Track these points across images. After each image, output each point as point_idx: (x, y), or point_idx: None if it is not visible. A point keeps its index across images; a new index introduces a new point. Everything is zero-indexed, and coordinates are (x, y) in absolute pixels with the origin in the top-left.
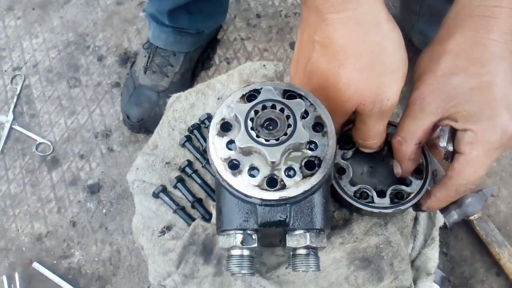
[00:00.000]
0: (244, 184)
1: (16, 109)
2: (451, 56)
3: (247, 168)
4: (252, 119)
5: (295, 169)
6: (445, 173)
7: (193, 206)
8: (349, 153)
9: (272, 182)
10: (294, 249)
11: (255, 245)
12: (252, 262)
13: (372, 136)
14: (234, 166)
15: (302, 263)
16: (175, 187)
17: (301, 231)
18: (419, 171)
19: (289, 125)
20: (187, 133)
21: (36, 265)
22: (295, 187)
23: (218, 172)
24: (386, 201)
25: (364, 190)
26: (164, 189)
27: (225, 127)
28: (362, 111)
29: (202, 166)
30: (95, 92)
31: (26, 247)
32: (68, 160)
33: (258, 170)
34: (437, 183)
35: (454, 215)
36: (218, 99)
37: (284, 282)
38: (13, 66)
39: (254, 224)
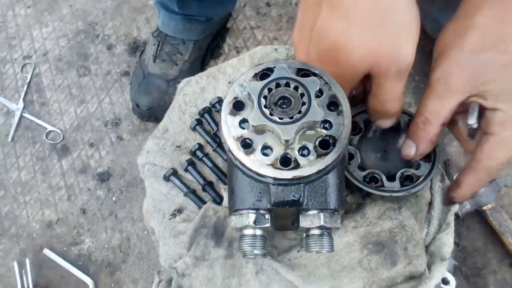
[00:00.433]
0: (257, 163)
1: (26, 97)
2: (479, 31)
3: (260, 147)
4: (265, 97)
5: (309, 148)
6: (471, 155)
7: (204, 189)
8: (356, 139)
9: (285, 161)
10: (308, 229)
11: (268, 224)
12: (265, 243)
13: (391, 99)
14: (247, 145)
15: (315, 243)
16: (186, 170)
17: (315, 211)
18: (427, 155)
19: (303, 103)
20: (197, 117)
21: (46, 251)
22: (309, 166)
23: (230, 151)
24: (396, 184)
25: (374, 174)
26: (175, 172)
27: (238, 106)
28: (378, 73)
29: (213, 150)
30: (104, 81)
31: (36, 234)
32: (78, 148)
33: (271, 149)
34: (464, 170)
35: (467, 205)
36: (229, 83)
37: (296, 265)
38: (23, 54)
39: (267, 203)
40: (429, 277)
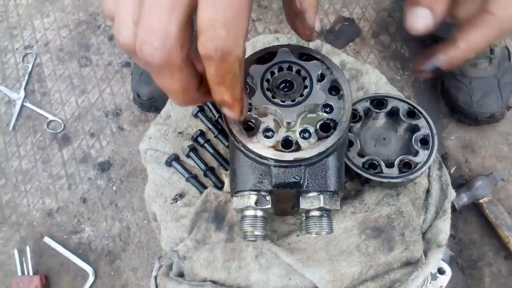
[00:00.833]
0: (259, 145)
1: (28, 87)
2: None
3: (262, 129)
4: (268, 80)
5: (311, 131)
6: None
7: (205, 175)
8: (356, 126)
9: (287, 144)
10: (307, 211)
11: (269, 206)
12: (265, 224)
13: None
14: (249, 127)
15: (315, 224)
16: (187, 156)
17: (315, 193)
18: (425, 142)
19: (305, 87)
20: (200, 105)
21: (47, 239)
22: (310, 148)
23: (233, 134)
24: (394, 171)
25: (373, 161)
26: (176, 158)
27: None
28: None
29: (215, 136)
30: (105, 72)
31: (37, 222)
32: (78, 138)
33: (273, 131)
34: (466, 24)
35: (464, 198)
36: None
37: (295, 249)
38: (24, 44)
39: (269, 185)
40: (425, 263)
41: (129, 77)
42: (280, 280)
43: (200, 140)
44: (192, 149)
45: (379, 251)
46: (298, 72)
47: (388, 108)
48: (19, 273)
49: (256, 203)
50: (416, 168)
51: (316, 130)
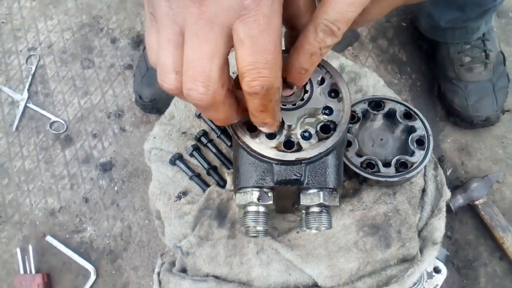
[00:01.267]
0: (262, 146)
1: (31, 88)
2: None
3: (264, 135)
4: None
5: (311, 132)
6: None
7: (208, 173)
8: (355, 127)
9: (288, 144)
10: (308, 207)
11: (271, 202)
12: (267, 220)
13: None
14: (252, 128)
15: (315, 220)
16: (191, 155)
17: (315, 190)
18: (421, 143)
19: (305, 91)
20: None
21: (49, 238)
22: (311, 149)
23: (237, 135)
24: (391, 170)
25: (370, 161)
26: (180, 157)
27: None
28: None
29: (217, 136)
30: (108, 74)
31: (39, 221)
32: (81, 138)
33: (275, 133)
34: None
35: (460, 200)
36: (233, 73)
37: (295, 246)
38: (28, 46)
39: (271, 182)
40: (421, 260)
41: (131, 79)
42: (280, 275)
43: (203, 140)
44: (196, 148)
45: (376, 248)
46: None
47: (386, 109)
48: (22, 272)
49: (258, 199)
50: (412, 167)
51: (316, 131)
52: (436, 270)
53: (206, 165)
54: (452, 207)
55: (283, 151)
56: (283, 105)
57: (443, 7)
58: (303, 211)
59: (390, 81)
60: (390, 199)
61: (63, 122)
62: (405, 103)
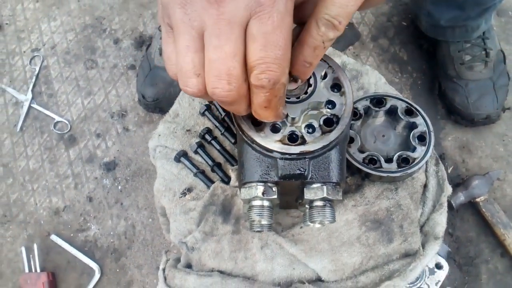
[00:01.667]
0: (266, 139)
1: (35, 89)
2: None
3: (269, 124)
4: None
5: (315, 126)
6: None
7: (212, 170)
8: (357, 124)
9: (293, 138)
10: (311, 201)
11: (275, 196)
12: (272, 214)
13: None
14: (257, 122)
15: (319, 213)
16: (195, 152)
17: (319, 184)
18: (422, 138)
19: (309, 85)
20: (206, 103)
21: (54, 237)
22: (315, 142)
23: (242, 129)
24: (393, 166)
25: (373, 156)
26: (185, 154)
27: None
28: None
29: (221, 134)
30: (111, 74)
31: (44, 220)
32: (85, 138)
33: (279, 126)
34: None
35: (461, 197)
36: None
37: (299, 241)
38: (31, 47)
39: (275, 176)
40: (423, 254)
41: (134, 79)
42: (284, 270)
43: (207, 137)
44: (200, 145)
45: (379, 243)
46: None
47: (387, 106)
48: (27, 270)
49: (263, 193)
50: (414, 163)
51: (320, 125)
52: (438, 266)
53: (210, 162)
54: (454, 205)
55: (288, 144)
56: (287, 97)
57: (443, 6)
58: (307, 206)
59: (391, 80)
60: (392, 194)
61: (67, 122)
62: (406, 99)
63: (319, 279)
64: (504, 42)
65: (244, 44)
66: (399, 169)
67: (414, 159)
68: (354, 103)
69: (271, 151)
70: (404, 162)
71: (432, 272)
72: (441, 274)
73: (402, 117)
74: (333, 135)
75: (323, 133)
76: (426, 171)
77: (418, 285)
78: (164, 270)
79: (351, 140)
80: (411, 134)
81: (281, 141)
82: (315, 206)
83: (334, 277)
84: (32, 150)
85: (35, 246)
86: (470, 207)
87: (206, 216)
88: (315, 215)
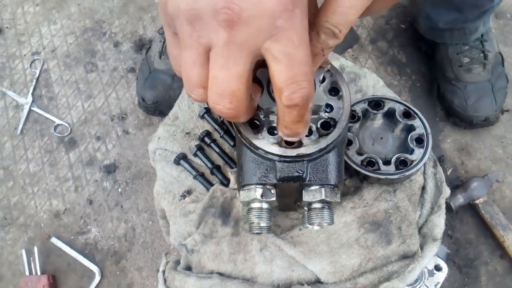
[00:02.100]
0: (264, 141)
1: (35, 92)
2: None
3: (267, 127)
4: None
5: (312, 129)
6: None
7: (212, 173)
8: (355, 126)
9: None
10: (310, 203)
11: (274, 198)
12: (270, 216)
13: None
14: (255, 125)
15: (317, 215)
16: (195, 155)
17: (317, 187)
18: (420, 141)
19: None
20: (206, 106)
21: (54, 240)
22: (312, 145)
23: (240, 132)
24: (391, 168)
25: (371, 159)
26: (184, 157)
27: None
28: None
29: (220, 136)
30: (111, 77)
31: (44, 223)
32: (85, 141)
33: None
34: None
35: (460, 199)
36: None
37: (298, 243)
38: (32, 51)
39: (273, 179)
40: (421, 256)
41: (134, 82)
42: (283, 272)
43: (207, 140)
44: (199, 148)
45: (378, 244)
46: None
47: (385, 109)
48: (27, 273)
49: (262, 195)
50: (412, 165)
51: (317, 128)
52: (437, 268)
53: (209, 165)
54: (453, 206)
55: (285, 147)
56: None
57: (441, 8)
58: (306, 208)
59: (390, 82)
60: (390, 196)
61: (67, 125)
62: (404, 102)
63: (318, 281)
64: (503, 44)
65: (252, 66)
66: (397, 171)
67: (412, 161)
68: (353, 105)
69: (269, 153)
70: (402, 164)
71: (431, 274)
72: (440, 276)
73: (400, 119)
74: (330, 138)
75: (320, 136)
76: (424, 173)
77: (417, 287)
78: (164, 272)
79: (350, 142)
80: (409, 136)
81: (278, 143)
82: (314, 208)
83: (333, 279)
84: (32, 153)
85: (35, 249)
86: (469, 209)
87: (206, 218)
88: (313, 217)
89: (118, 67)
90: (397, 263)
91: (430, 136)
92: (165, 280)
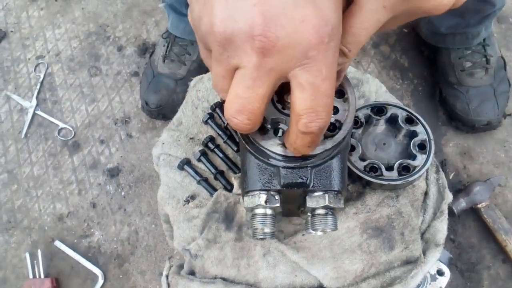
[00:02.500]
0: (269, 142)
1: (40, 96)
2: None
3: (272, 130)
4: (276, 93)
5: None
6: None
7: (215, 178)
8: (358, 132)
9: None
10: (313, 209)
11: (278, 204)
12: (274, 222)
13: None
14: (261, 127)
15: (321, 221)
16: (198, 160)
17: (321, 193)
18: (423, 147)
19: None
20: (209, 111)
21: (57, 243)
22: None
23: (243, 136)
24: (394, 174)
25: (373, 165)
26: (188, 162)
27: None
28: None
29: (224, 142)
30: (115, 81)
31: (48, 226)
32: (88, 144)
33: (282, 131)
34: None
35: (462, 203)
36: None
37: (301, 248)
38: (36, 54)
39: (277, 185)
40: (424, 261)
41: (138, 86)
42: (286, 277)
43: (210, 145)
44: (203, 153)
45: (380, 250)
46: None
47: (388, 115)
48: (31, 276)
49: (266, 201)
50: (415, 171)
51: None
52: (440, 273)
53: (213, 170)
54: (455, 211)
55: None
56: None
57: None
58: (309, 214)
59: (392, 86)
60: (393, 202)
61: (71, 129)
62: (406, 108)
63: (321, 286)
64: (505, 48)
65: (276, 87)
66: (400, 177)
67: (415, 167)
68: (355, 111)
69: (273, 153)
70: (405, 170)
71: (434, 278)
72: (443, 281)
73: (402, 125)
74: (335, 140)
75: (325, 137)
76: (426, 178)
77: None
78: (167, 276)
79: (352, 148)
80: (412, 142)
81: (283, 144)
82: (317, 214)
83: (336, 284)
84: (36, 156)
85: (39, 252)
86: (471, 213)
87: (209, 223)
88: (317, 223)
89: (122, 71)
90: (399, 268)
91: (432, 142)
92: (168, 285)
